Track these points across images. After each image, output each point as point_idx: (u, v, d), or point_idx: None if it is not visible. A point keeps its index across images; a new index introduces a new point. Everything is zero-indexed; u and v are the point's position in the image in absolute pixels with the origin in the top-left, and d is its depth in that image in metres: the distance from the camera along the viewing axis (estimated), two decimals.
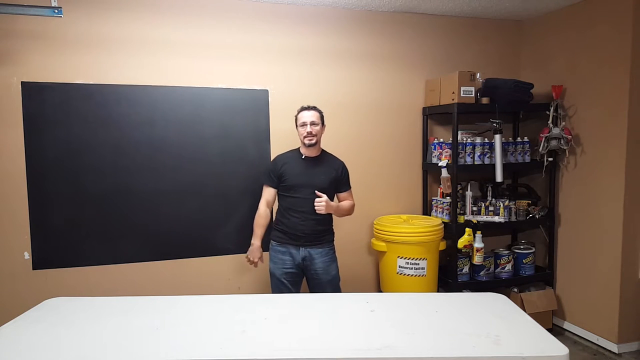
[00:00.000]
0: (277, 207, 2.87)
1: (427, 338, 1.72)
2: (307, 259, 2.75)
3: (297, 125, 2.77)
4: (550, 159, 3.51)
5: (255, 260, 2.82)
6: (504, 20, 3.83)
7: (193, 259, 3.24)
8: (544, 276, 3.68)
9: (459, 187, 3.52)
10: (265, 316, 1.94)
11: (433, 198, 3.70)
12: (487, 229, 3.48)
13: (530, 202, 3.66)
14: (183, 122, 3.14)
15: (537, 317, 3.12)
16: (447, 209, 3.49)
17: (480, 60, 3.78)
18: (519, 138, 3.64)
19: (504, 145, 3.47)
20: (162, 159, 3.12)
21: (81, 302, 2.13)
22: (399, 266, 3.25)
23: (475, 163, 3.44)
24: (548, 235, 3.68)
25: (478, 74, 3.38)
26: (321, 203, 2.64)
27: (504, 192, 3.71)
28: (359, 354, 1.61)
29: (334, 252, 2.85)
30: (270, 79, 3.32)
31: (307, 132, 2.69)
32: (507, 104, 3.45)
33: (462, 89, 3.30)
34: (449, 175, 3.36)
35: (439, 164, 3.37)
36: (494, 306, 2.05)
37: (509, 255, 3.62)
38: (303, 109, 2.77)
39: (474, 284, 3.50)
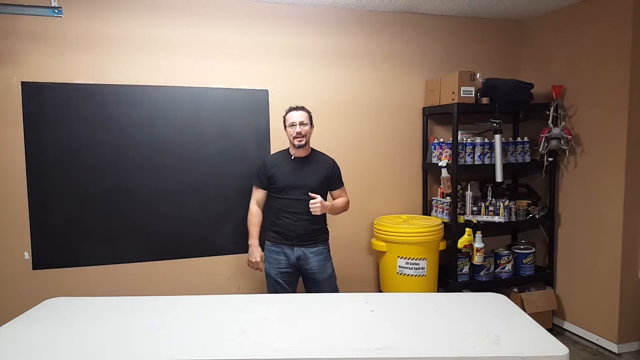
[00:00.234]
0: (270, 209, 2.86)
1: (427, 338, 1.72)
2: (301, 259, 2.75)
3: (285, 126, 2.77)
4: (550, 159, 3.51)
5: (257, 260, 2.82)
6: (504, 20, 3.83)
7: (193, 259, 3.24)
8: (544, 276, 3.68)
9: (459, 187, 3.52)
10: (265, 316, 1.94)
11: (433, 198, 3.70)
12: (487, 229, 3.48)
13: (530, 202, 3.66)
14: (183, 122, 3.14)
15: (537, 317, 3.13)
16: (447, 209, 3.50)
17: (480, 60, 3.78)
18: (519, 138, 3.64)
19: (504, 145, 3.47)
20: (162, 159, 3.12)
21: (81, 302, 2.13)
22: (399, 266, 3.25)
23: (475, 163, 3.44)
24: (548, 235, 3.68)
25: (478, 74, 3.37)
26: (316, 204, 2.64)
27: (504, 192, 3.71)
28: (359, 354, 1.61)
29: (329, 250, 2.85)
30: (270, 79, 3.32)
31: (297, 133, 2.68)
32: (507, 104, 3.45)
33: (462, 89, 3.30)
34: (449, 175, 3.36)
35: (439, 164, 3.37)
36: (494, 306, 2.05)
37: (509, 255, 3.62)
38: (291, 109, 2.76)
39: (474, 284, 3.50)
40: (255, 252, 2.83)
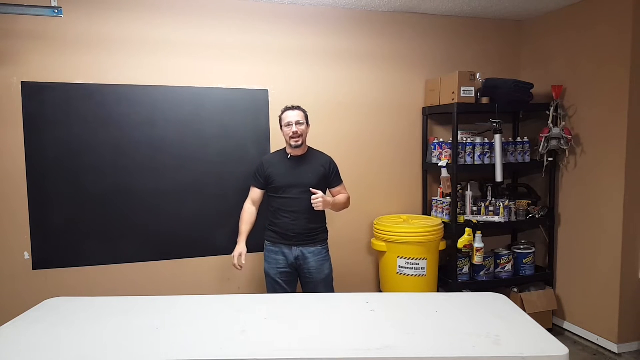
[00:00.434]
0: (268, 208, 2.85)
1: (427, 338, 1.72)
2: (300, 259, 2.75)
3: (281, 126, 2.77)
4: (550, 159, 3.51)
5: (235, 254, 2.69)
6: (504, 20, 3.83)
7: (193, 259, 3.24)
8: (544, 276, 3.67)
9: (459, 187, 3.52)
10: (265, 316, 1.94)
11: (433, 198, 3.70)
12: (487, 229, 3.48)
13: (530, 202, 3.66)
14: (183, 122, 3.14)
15: (537, 317, 3.13)
16: (447, 209, 3.49)
17: (480, 60, 3.78)
18: (519, 138, 3.64)
19: (504, 145, 3.47)
20: (162, 159, 3.12)
21: (81, 302, 2.13)
22: (399, 266, 3.25)
23: (475, 163, 3.44)
24: (548, 235, 3.68)
25: (478, 74, 3.38)
26: (318, 200, 2.63)
27: (504, 192, 3.71)
28: (359, 354, 1.61)
29: (328, 251, 2.84)
30: (270, 79, 3.32)
31: (293, 132, 2.68)
32: (507, 104, 3.45)
33: (462, 89, 3.30)
34: (449, 175, 3.36)
35: (439, 164, 3.37)
36: (494, 306, 2.05)
37: (509, 255, 3.62)
38: (287, 109, 2.76)
39: (474, 284, 3.50)
40: (237, 247, 2.73)
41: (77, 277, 3.02)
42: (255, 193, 2.86)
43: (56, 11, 2.54)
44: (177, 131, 3.14)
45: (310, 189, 2.66)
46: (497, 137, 3.35)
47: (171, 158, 3.14)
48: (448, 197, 3.51)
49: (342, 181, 2.92)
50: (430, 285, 3.31)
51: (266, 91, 3.31)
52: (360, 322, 1.88)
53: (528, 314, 1.97)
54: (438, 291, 3.49)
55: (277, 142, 3.23)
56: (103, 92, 2.98)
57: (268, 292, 2.82)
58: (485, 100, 3.41)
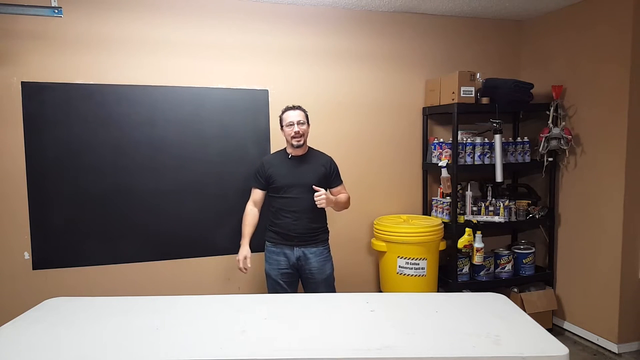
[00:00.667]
0: (269, 209, 2.85)
1: (427, 338, 1.72)
2: (301, 259, 2.75)
3: (282, 126, 2.77)
4: (550, 159, 3.51)
5: (240, 258, 2.71)
6: (504, 20, 3.83)
7: (193, 259, 3.24)
8: (544, 276, 3.67)
9: (459, 187, 3.52)
10: (265, 316, 1.94)
11: (433, 198, 3.70)
12: (487, 229, 3.48)
13: (530, 202, 3.66)
14: (183, 122, 3.14)
15: (537, 317, 3.13)
16: (447, 209, 3.49)
17: (480, 60, 3.78)
18: (519, 138, 3.64)
19: (504, 145, 3.47)
20: (162, 159, 3.12)
21: (81, 302, 2.13)
22: (399, 266, 3.25)
23: (475, 163, 3.44)
24: (548, 235, 3.68)
25: (478, 74, 3.37)
26: (321, 196, 2.62)
27: (504, 192, 3.71)
28: (359, 354, 1.61)
29: (329, 251, 2.84)
30: (270, 79, 3.32)
31: (295, 132, 2.68)
32: (507, 104, 3.45)
33: (462, 89, 3.30)
34: (449, 175, 3.36)
35: (439, 164, 3.37)
36: (494, 306, 2.05)
37: (509, 255, 3.62)
38: (288, 108, 2.76)
39: (474, 284, 3.50)
40: (241, 250, 2.75)
41: (77, 277, 3.02)
42: (257, 194, 2.85)
43: (56, 11, 2.54)
44: (177, 131, 3.14)
45: (313, 186, 2.66)
46: (497, 137, 3.35)
47: (171, 158, 3.14)
48: (448, 197, 3.51)
49: (342, 181, 2.92)
50: (430, 285, 3.31)
51: (266, 91, 3.31)
52: (360, 322, 1.88)
53: (528, 314, 1.97)
54: (438, 291, 3.49)
55: (277, 142, 3.23)
56: (103, 92, 2.98)
57: (269, 293, 2.81)
58: (485, 100, 3.41)
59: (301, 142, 2.71)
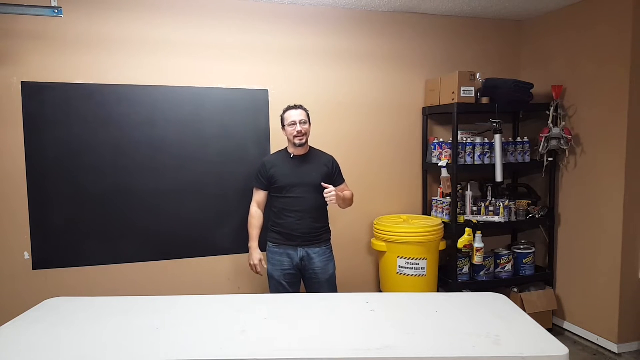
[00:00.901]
0: (271, 209, 2.85)
1: (427, 338, 1.72)
2: (305, 259, 2.74)
3: (283, 125, 2.76)
4: (550, 159, 3.51)
5: (255, 262, 2.79)
6: (504, 20, 3.83)
7: (193, 259, 3.24)
8: (544, 276, 3.67)
9: (459, 187, 3.52)
10: (265, 316, 1.94)
11: (433, 198, 3.70)
12: (487, 229, 3.48)
13: (530, 202, 3.66)
14: (183, 122, 3.14)
15: (537, 317, 3.12)
16: (447, 209, 3.49)
17: (480, 60, 3.78)
18: (519, 138, 3.64)
19: (504, 145, 3.47)
20: (162, 159, 3.12)
21: (81, 302, 2.13)
22: (399, 266, 3.25)
23: (475, 163, 3.44)
24: (548, 235, 3.68)
25: (478, 74, 3.37)
26: (331, 193, 2.61)
27: (504, 192, 3.71)
28: (359, 354, 1.61)
29: (332, 251, 2.85)
30: (270, 79, 3.32)
31: (297, 132, 2.67)
32: (507, 104, 3.45)
33: (462, 89, 3.30)
34: (449, 175, 3.36)
35: (439, 164, 3.37)
36: (494, 306, 2.05)
37: (509, 255, 3.62)
38: (290, 108, 2.76)
39: (474, 284, 3.50)
40: (254, 254, 2.80)
41: (77, 277, 3.02)
42: (260, 195, 2.84)
43: (56, 11, 2.54)
44: (177, 131, 3.14)
45: (322, 183, 2.65)
46: (497, 137, 3.35)
47: (171, 158, 3.14)
48: (448, 197, 3.51)
49: (344, 179, 2.92)
50: (430, 285, 3.31)
51: (266, 91, 3.31)
52: (360, 322, 1.88)
53: (528, 314, 1.97)
54: (438, 291, 3.49)
55: (277, 142, 3.23)
56: (103, 92, 2.98)
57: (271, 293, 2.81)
58: (485, 100, 3.41)
59: (303, 141, 2.71)
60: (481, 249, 3.39)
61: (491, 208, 3.50)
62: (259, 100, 3.29)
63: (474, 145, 3.43)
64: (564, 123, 3.45)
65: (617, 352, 3.18)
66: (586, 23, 3.31)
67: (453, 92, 3.32)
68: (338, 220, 3.34)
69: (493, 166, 3.38)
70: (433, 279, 3.35)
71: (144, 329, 1.83)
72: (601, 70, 3.21)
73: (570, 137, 3.38)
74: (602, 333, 3.29)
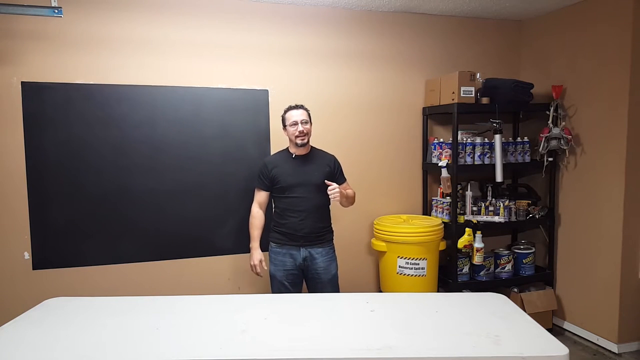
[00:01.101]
0: (274, 210, 2.86)
1: (427, 338, 1.72)
2: (307, 259, 2.74)
3: (285, 125, 2.76)
4: (550, 159, 3.51)
5: (256, 263, 2.78)
6: (504, 20, 3.83)
7: (193, 259, 3.24)
8: (544, 276, 3.67)
9: (459, 187, 3.52)
10: (265, 316, 1.94)
11: (433, 198, 3.70)
12: (487, 229, 3.48)
13: (530, 202, 3.66)
14: (183, 122, 3.14)
15: (537, 317, 3.12)
16: (447, 209, 3.50)
17: (480, 60, 3.78)
18: (519, 138, 3.64)
19: (504, 145, 3.47)
20: (162, 159, 3.12)
21: (81, 302, 2.13)
22: (399, 266, 3.25)
23: (475, 163, 3.44)
24: (548, 235, 3.68)
25: (478, 74, 3.38)
26: (335, 190, 2.61)
27: (504, 192, 3.71)
28: (359, 354, 1.61)
29: (334, 250, 2.85)
30: (270, 79, 3.32)
31: (299, 132, 2.67)
32: (507, 104, 3.45)
33: (462, 89, 3.30)
34: (449, 175, 3.36)
35: (439, 164, 3.37)
36: (494, 306, 2.05)
37: (509, 255, 3.62)
38: (291, 108, 2.75)
39: (474, 284, 3.50)
40: (255, 254, 2.79)
41: (77, 277, 3.02)
42: (262, 196, 2.84)
43: (56, 11, 2.54)
44: (177, 131, 3.14)
45: (326, 181, 2.65)
46: (497, 137, 3.35)
47: (171, 158, 3.14)
48: (448, 197, 3.51)
49: (345, 178, 2.92)
50: (430, 285, 3.31)
51: (266, 91, 3.31)
52: (360, 322, 1.88)
53: (528, 314, 1.97)
54: (438, 291, 3.49)
55: (277, 142, 3.23)
56: (103, 92, 2.98)
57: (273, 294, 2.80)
58: (485, 100, 3.41)
59: (305, 141, 2.71)
60: (481, 249, 3.39)
61: (491, 208, 3.50)
62: (259, 100, 3.29)
63: (474, 145, 3.43)
64: (564, 123, 3.45)
65: (617, 352, 3.18)
66: (586, 23, 3.31)
67: (453, 92, 3.32)
68: (338, 220, 3.34)
69: (493, 166, 3.38)
70: (433, 279, 3.35)
71: (143, 329, 1.83)
72: (601, 70, 3.21)
73: (570, 137, 3.38)
74: (602, 333, 3.29)
